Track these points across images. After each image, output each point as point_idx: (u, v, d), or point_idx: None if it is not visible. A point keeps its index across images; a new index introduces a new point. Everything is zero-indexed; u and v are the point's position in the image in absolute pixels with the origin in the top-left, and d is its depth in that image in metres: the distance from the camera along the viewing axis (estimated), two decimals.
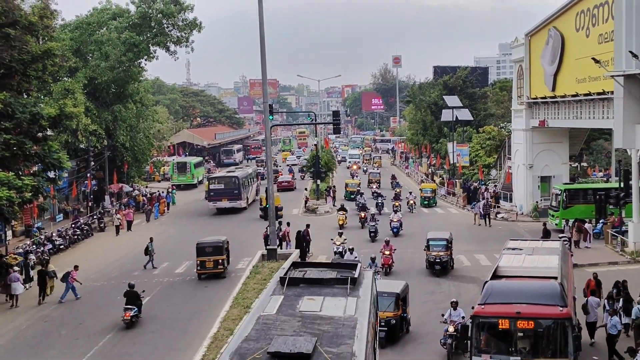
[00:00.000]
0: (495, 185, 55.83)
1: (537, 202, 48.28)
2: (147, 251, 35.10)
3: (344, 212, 44.94)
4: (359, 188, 59.32)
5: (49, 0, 41.29)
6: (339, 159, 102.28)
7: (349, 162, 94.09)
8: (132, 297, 25.72)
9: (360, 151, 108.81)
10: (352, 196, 56.68)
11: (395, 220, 41.67)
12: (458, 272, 32.40)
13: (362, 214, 45.12)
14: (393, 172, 79.74)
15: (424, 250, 32.27)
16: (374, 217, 41.85)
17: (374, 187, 62.87)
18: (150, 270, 34.67)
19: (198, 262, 32.01)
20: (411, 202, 51.59)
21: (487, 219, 46.18)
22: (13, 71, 32.07)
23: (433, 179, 70.23)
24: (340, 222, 43.86)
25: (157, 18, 53.52)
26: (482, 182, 58.97)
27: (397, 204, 49.11)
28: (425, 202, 54.91)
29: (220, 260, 31.88)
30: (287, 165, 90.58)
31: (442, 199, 60.33)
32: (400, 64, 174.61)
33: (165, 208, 57.06)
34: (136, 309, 25.57)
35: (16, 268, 31.08)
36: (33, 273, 32.41)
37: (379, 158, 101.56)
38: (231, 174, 57.20)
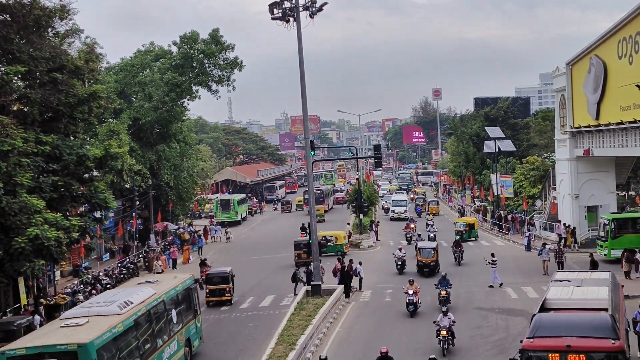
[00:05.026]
0: (567, 225, 48.22)
1: (569, 224, 47.42)
2: (295, 278, 35.77)
3: None
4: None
5: (94, 44, 42.47)
6: (386, 206, 77.99)
7: (393, 210, 72.13)
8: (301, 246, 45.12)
9: (409, 195, 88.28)
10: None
11: None
12: (506, 305, 31.81)
13: None
14: (447, 221, 66.20)
15: None
16: None
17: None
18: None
19: (295, 254, 44.38)
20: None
21: (561, 267, 37.55)
22: (60, 114, 32.87)
23: (472, 211, 69.25)
24: None
25: (199, 58, 54.37)
26: (526, 213, 58.20)
27: None
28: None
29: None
30: (338, 189, 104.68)
31: (487, 231, 59.85)
32: (441, 97, 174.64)
33: (190, 256, 52.20)
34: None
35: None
36: None
37: (436, 203, 78.21)
38: (318, 189, 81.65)
